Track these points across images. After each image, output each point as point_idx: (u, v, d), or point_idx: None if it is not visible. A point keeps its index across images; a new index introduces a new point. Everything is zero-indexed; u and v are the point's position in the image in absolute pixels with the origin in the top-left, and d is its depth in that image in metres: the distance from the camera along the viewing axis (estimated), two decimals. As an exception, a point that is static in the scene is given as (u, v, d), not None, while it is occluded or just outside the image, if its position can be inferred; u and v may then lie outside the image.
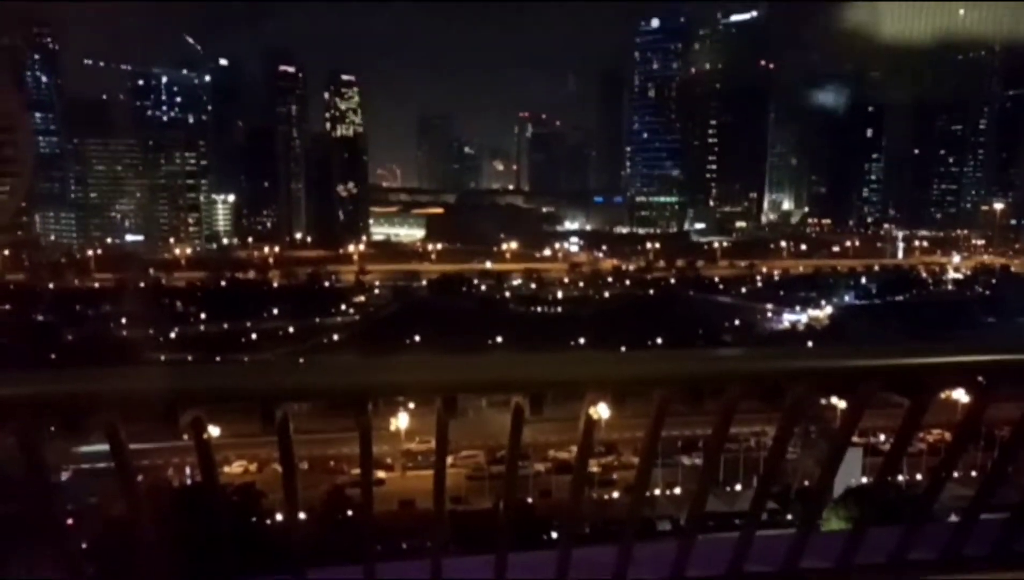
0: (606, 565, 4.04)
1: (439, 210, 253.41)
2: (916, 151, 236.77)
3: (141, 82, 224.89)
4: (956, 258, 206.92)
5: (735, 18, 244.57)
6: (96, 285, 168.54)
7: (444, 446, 3.58)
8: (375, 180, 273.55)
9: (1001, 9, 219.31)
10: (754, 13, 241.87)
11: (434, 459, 3.77)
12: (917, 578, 4.34)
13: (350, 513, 55.02)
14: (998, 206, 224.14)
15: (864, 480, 47.97)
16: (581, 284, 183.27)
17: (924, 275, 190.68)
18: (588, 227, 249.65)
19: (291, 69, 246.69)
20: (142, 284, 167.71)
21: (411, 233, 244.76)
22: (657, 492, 73.22)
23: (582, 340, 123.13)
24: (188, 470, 69.89)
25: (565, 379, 3.41)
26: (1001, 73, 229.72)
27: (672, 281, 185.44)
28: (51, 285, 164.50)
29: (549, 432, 72.05)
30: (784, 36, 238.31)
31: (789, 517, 44.89)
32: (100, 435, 3.11)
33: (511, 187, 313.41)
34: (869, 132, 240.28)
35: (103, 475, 50.42)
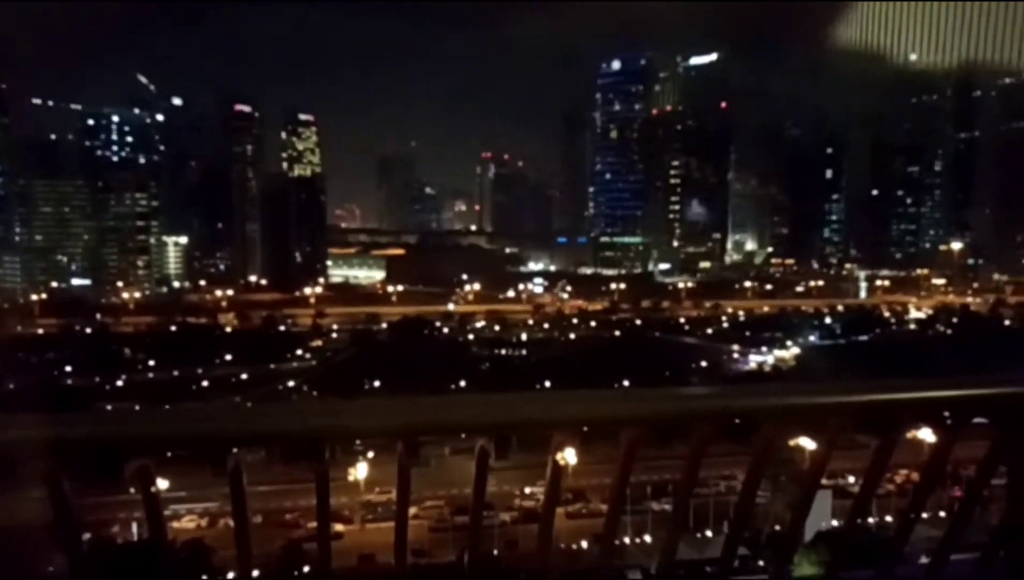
0: None
1: (400, 251, 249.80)
2: (875, 192, 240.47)
3: (91, 122, 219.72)
4: (917, 298, 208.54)
5: (695, 61, 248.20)
6: (40, 331, 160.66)
7: (406, 494, 3.40)
8: (333, 221, 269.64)
9: (950, 56, 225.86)
10: (713, 56, 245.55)
11: (395, 509, 3.52)
12: None
13: (307, 569, 53.00)
14: (956, 246, 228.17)
15: (834, 523, 46.17)
16: (546, 326, 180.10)
17: (887, 314, 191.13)
18: (552, 268, 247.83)
19: (247, 108, 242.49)
20: (88, 330, 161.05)
21: (371, 275, 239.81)
22: (627, 540, 70.11)
23: (547, 383, 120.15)
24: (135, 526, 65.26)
25: (531, 419, 3.19)
26: (952, 117, 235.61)
27: (637, 322, 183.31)
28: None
29: (514, 481, 70.46)
30: (743, 79, 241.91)
31: (761, 563, 42.21)
32: (39, 487, 2.78)
33: (474, 228, 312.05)
34: (829, 173, 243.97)
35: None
